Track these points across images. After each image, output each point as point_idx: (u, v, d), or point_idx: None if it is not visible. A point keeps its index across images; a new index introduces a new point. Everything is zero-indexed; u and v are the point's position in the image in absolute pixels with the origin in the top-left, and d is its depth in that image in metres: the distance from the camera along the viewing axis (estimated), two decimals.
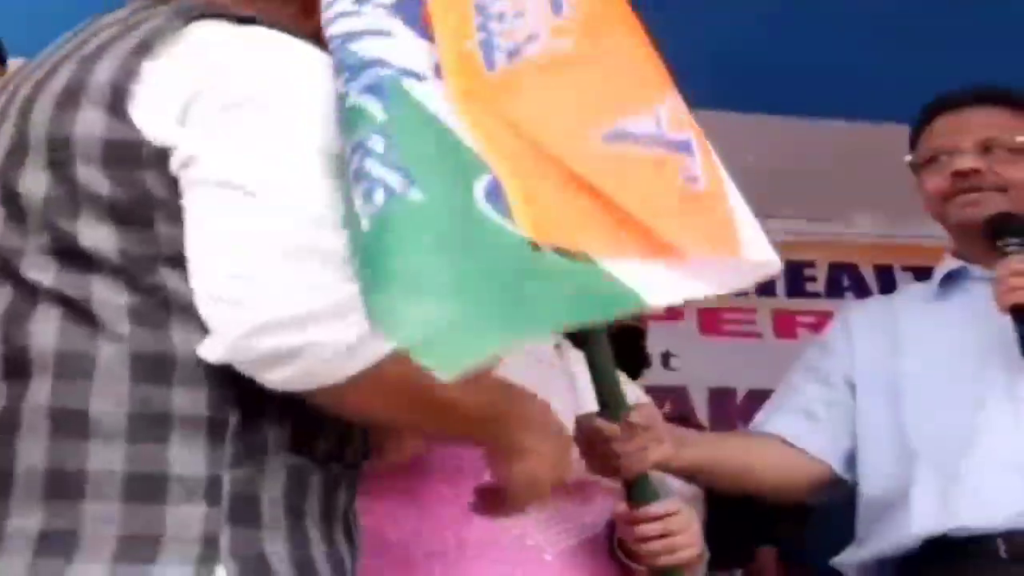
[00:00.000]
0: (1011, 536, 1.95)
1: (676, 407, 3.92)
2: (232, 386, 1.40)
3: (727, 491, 2.25)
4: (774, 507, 3.51)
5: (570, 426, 1.87)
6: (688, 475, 2.12)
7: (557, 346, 2.11)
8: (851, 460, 2.14)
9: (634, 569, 1.96)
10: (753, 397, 3.95)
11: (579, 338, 1.97)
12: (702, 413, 4.02)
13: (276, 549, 1.41)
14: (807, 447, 2.14)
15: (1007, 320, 1.99)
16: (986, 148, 2.13)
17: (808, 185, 3.78)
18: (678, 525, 1.86)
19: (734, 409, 4.06)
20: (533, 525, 1.90)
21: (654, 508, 1.86)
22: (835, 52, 3.18)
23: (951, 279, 2.22)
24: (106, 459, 1.36)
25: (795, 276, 4.17)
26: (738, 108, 3.44)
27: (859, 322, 2.28)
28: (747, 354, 4.19)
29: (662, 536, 1.85)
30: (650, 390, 3.95)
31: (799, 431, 2.16)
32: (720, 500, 2.22)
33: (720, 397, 4.09)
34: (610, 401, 1.89)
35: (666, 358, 4.02)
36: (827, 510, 3.57)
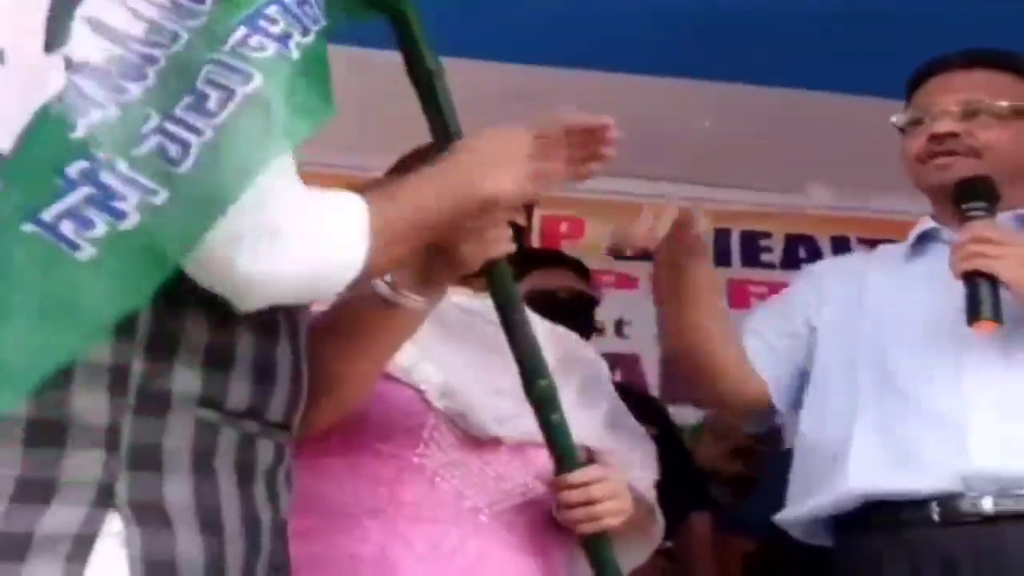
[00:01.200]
0: (945, 501, 1.95)
1: (625, 375, 3.96)
2: (137, 337, 1.43)
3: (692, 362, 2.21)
4: (710, 472, 3.64)
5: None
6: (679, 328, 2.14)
7: None
8: (788, 395, 2.16)
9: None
10: None
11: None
12: (653, 380, 4.01)
13: (178, 499, 1.44)
14: (755, 363, 2.14)
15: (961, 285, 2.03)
16: (968, 111, 2.12)
17: (765, 156, 3.76)
18: (601, 493, 1.86)
19: None
20: (471, 486, 1.91)
21: (575, 475, 1.86)
22: (795, 23, 3.14)
23: (924, 240, 2.22)
24: None
25: (751, 246, 4.19)
26: (697, 75, 3.44)
27: (830, 273, 2.30)
28: None
29: (585, 504, 1.86)
30: (602, 356, 3.99)
31: (756, 349, 2.17)
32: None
33: None
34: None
35: (619, 326, 4.03)
36: (766, 480, 3.65)
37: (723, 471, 3.77)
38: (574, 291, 3.28)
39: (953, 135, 2.10)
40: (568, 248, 3.97)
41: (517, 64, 3.46)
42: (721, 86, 3.47)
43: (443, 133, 1.84)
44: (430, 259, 1.78)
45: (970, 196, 2.05)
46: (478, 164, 1.72)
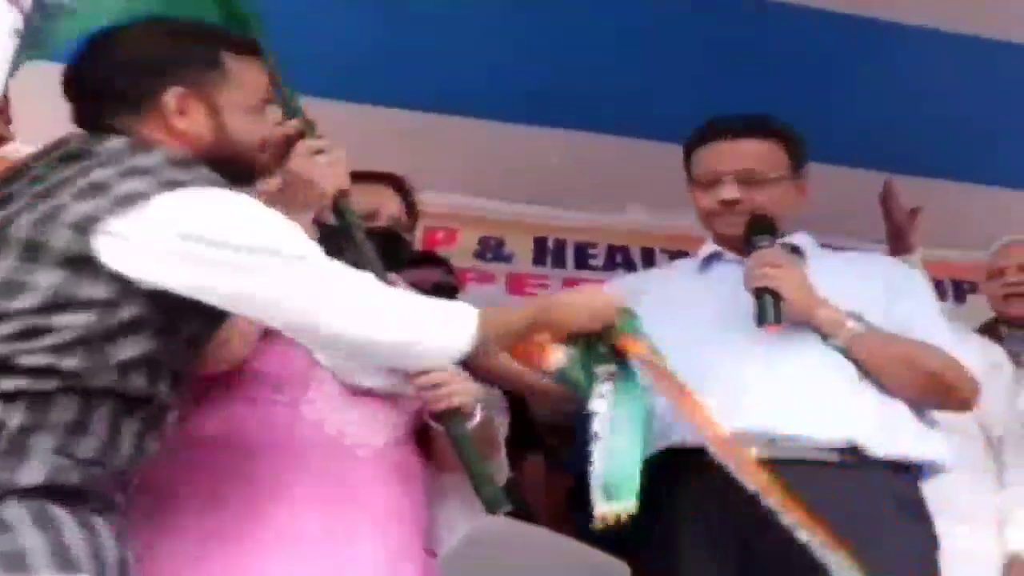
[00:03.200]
0: None
1: None
2: None
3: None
4: (540, 422, 3.58)
5: None
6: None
7: None
8: None
9: (433, 448, 1.99)
10: None
11: None
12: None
13: None
14: None
15: (747, 295, 2.07)
16: (744, 180, 2.13)
17: (593, 183, 3.84)
18: (444, 379, 1.86)
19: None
20: (351, 429, 1.90)
21: (421, 378, 1.86)
22: (613, 76, 3.21)
23: (710, 259, 2.27)
24: None
25: (581, 253, 4.23)
26: (546, 123, 3.51)
27: (636, 285, 2.30)
28: None
29: (435, 386, 1.86)
30: None
31: None
32: None
33: None
34: None
35: None
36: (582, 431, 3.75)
37: (551, 422, 3.63)
38: (440, 283, 3.29)
39: (738, 201, 2.12)
40: (443, 251, 3.96)
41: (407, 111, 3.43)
42: (563, 132, 3.53)
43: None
44: (289, 196, 1.78)
45: (759, 231, 2.10)
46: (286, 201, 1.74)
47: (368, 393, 1.93)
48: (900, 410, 2.03)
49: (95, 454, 1.46)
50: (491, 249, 4.24)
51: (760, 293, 2.03)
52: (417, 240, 4.07)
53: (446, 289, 3.35)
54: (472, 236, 4.19)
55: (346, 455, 1.89)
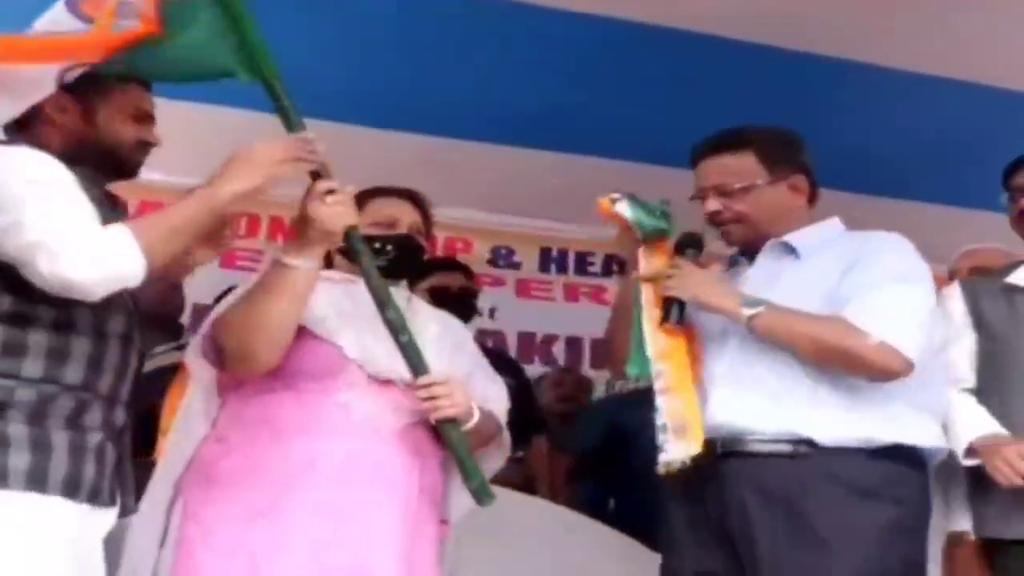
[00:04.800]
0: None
1: (495, 344, 4.03)
2: None
3: None
4: (547, 409, 3.69)
5: (430, 355, 1.91)
6: None
7: (409, 299, 2.10)
8: None
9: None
10: (547, 340, 4.17)
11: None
12: (513, 349, 4.11)
13: None
14: None
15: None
16: (721, 191, 2.03)
17: (590, 201, 3.75)
18: (441, 391, 1.86)
19: (534, 348, 4.17)
20: (375, 413, 1.90)
21: (422, 379, 1.86)
22: (608, 107, 3.18)
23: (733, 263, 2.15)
24: None
25: (581, 261, 4.25)
26: (546, 147, 3.52)
27: None
28: (545, 311, 4.28)
29: (430, 399, 1.86)
30: (480, 332, 4.15)
31: None
32: None
33: (525, 339, 4.19)
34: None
35: (492, 312, 4.08)
36: (582, 417, 3.75)
37: (554, 409, 3.79)
38: (463, 287, 3.31)
39: (718, 212, 2.03)
40: (460, 258, 3.95)
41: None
42: (564, 156, 3.52)
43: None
44: (302, 231, 1.80)
45: (685, 245, 2.02)
46: (221, 177, 1.70)
47: (389, 383, 1.93)
48: (862, 397, 1.90)
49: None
50: (502, 257, 4.30)
51: (666, 299, 1.97)
52: (439, 248, 4.17)
53: (468, 292, 3.37)
54: (485, 245, 4.28)
55: (370, 435, 1.90)
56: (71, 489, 1.64)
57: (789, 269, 2.01)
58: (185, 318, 3.55)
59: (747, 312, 1.90)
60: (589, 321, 4.01)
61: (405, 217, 2.09)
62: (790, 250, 2.03)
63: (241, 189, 1.71)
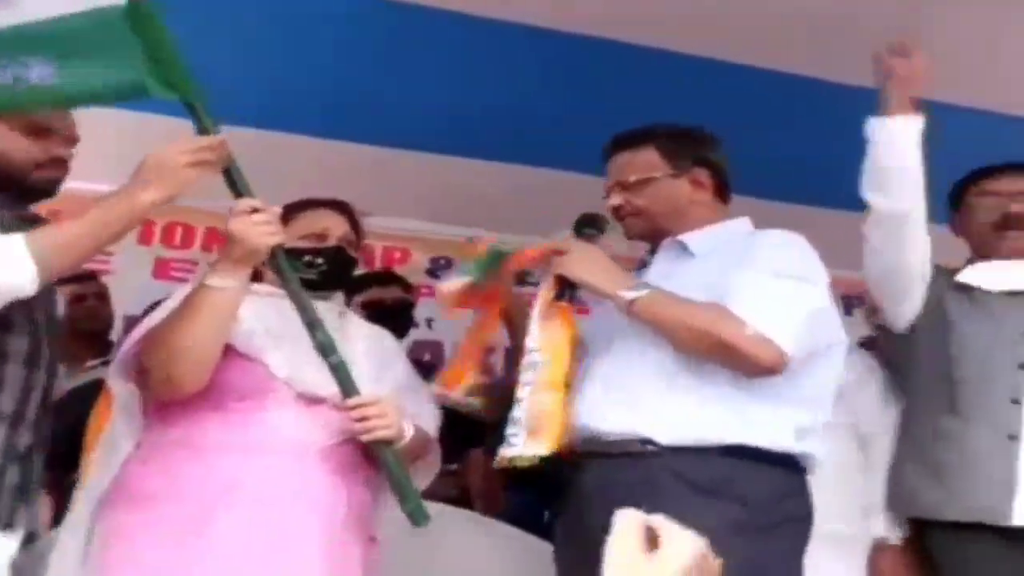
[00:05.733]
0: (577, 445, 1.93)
1: (433, 355, 4.01)
2: None
3: None
4: (481, 420, 3.74)
5: (360, 371, 1.90)
6: None
7: (342, 314, 2.11)
8: None
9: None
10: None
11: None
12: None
13: None
14: None
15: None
16: (622, 187, 2.04)
17: (526, 210, 3.55)
18: (373, 412, 1.85)
19: None
20: (303, 431, 1.89)
21: (351, 400, 1.85)
22: (546, 119, 3.19)
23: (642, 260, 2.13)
24: None
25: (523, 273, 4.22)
26: (483, 157, 3.52)
27: None
28: None
29: (361, 419, 1.85)
30: (418, 343, 4.11)
31: None
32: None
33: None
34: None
35: (430, 322, 4.08)
36: None
37: (492, 420, 3.78)
38: (398, 299, 3.31)
39: (619, 207, 2.04)
40: (398, 269, 3.97)
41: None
42: (500, 165, 3.54)
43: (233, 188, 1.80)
44: (227, 252, 1.78)
45: (584, 225, 2.00)
46: (134, 184, 1.67)
47: (319, 401, 1.92)
48: (720, 399, 1.85)
49: None
50: (441, 267, 4.26)
51: (558, 278, 1.95)
52: (377, 258, 4.14)
53: (404, 305, 3.36)
54: (424, 256, 4.24)
55: (297, 454, 1.89)
56: None
57: (682, 269, 1.98)
58: (117, 330, 3.49)
59: (628, 295, 1.86)
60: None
61: (336, 229, 2.08)
62: (684, 249, 2.01)
63: (159, 199, 1.68)
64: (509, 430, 1.87)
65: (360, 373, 1.92)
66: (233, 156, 1.79)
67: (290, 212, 2.07)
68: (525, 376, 1.90)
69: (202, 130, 1.76)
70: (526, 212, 3.81)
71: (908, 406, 2.31)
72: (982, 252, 2.35)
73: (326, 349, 1.86)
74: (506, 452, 1.86)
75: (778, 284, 1.86)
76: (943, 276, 2.31)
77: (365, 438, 1.86)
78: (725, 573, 1.66)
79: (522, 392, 1.88)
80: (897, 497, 2.25)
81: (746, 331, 1.80)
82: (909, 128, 2.17)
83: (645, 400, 1.87)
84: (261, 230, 1.79)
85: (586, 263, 1.91)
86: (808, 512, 1.90)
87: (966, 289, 2.29)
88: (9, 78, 1.66)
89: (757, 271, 1.87)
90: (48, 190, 1.86)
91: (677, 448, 1.82)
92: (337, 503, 1.89)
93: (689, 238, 2.01)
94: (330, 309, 2.03)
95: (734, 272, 1.88)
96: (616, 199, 2.05)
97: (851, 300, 4.14)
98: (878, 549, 2.28)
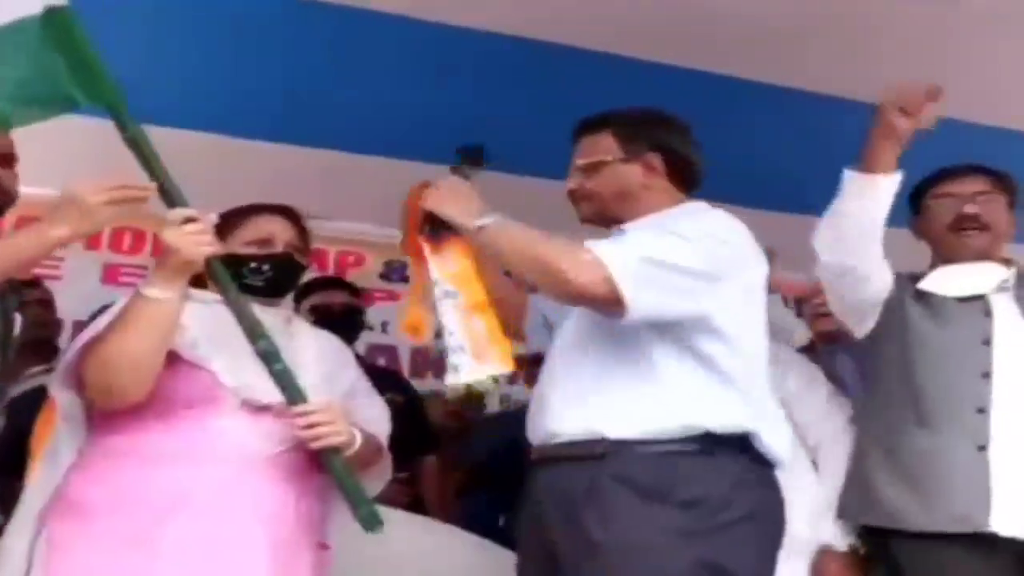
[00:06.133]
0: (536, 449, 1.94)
1: (387, 360, 4.03)
2: None
3: None
4: (438, 427, 3.61)
5: (309, 378, 1.90)
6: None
7: (289, 319, 2.09)
8: None
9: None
10: (440, 355, 4.14)
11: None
12: (405, 364, 4.10)
13: None
14: None
15: None
16: (579, 170, 2.01)
17: None
18: (321, 418, 1.83)
19: (428, 363, 4.13)
20: (250, 438, 1.88)
21: (298, 407, 1.83)
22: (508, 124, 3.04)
23: None
24: None
25: None
26: (438, 161, 3.37)
27: None
28: None
29: (309, 426, 1.82)
30: (373, 347, 4.09)
31: None
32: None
33: (418, 353, 4.14)
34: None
35: (384, 326, 4.07)
36: (473, 433, 3.73)
37: (446, 426, 3.75)
38: (345, 304, 3.27)
39: (573, 191, 2.02)
40: (353, 273, 3.97)
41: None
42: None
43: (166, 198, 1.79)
44: (162, 263, 1.76)
45: (461, 160, 2.00)
46: (49, 219, 1.69)
47: (266, 409, 1.90)
48: (641, 389, 1.82)
49: None
50: (395, 271, 4.25)
51: (424, 215, 1.95)
52: (330, 262, 4.12)
53: (352, 309, 3.33)
54: (379, 260, 4.24)
55: (244, 463, 1.87)
56: None
57: None
58: (65, 336, 3.44)
59: (477, 223, 1.85)
60: None
61: (281, 234, 2.06)
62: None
63: (67, 236, 1.69)
64: (452, 359, 1.83)
65: (309, 379, 1.91)
66: (164, 166, 1.79)
67: (234, 217, 2.05)
68: (444, 306, 1.88)
69: (126, 137, 1.76)
70: None
71: (870, 413, 2.29)
72: (942, 255, 2.34)
73: (269, 357, 1.84)
74: (459, 378, 1.83)
75: (649, 235, 1.83)
76: (904, 282, 2.31)
77: (313, 445, 1.84)
78: None
79: (448, 320, 1.86)
80: (862, 506, 2.22)
81: (581, 256, 1.76)
82: (891, 188, 2.10)
83: (592, 396, 1.85)
84: (195, 239, 1.77)
85: (448, 196, 1.92)
86: (775, 506, 1.87)
87: (925, 296, 2.27)
88: None
89: (648, 228, 1.86)
90: None
91: (626, 443, 1.79)
92: (286, 511, 1.87)
93: (631, 226, 1.96)
94: (277, 315, 2.01)
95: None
96: (571, 182, 2.03)
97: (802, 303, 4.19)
98: (823, 554, 2.27)
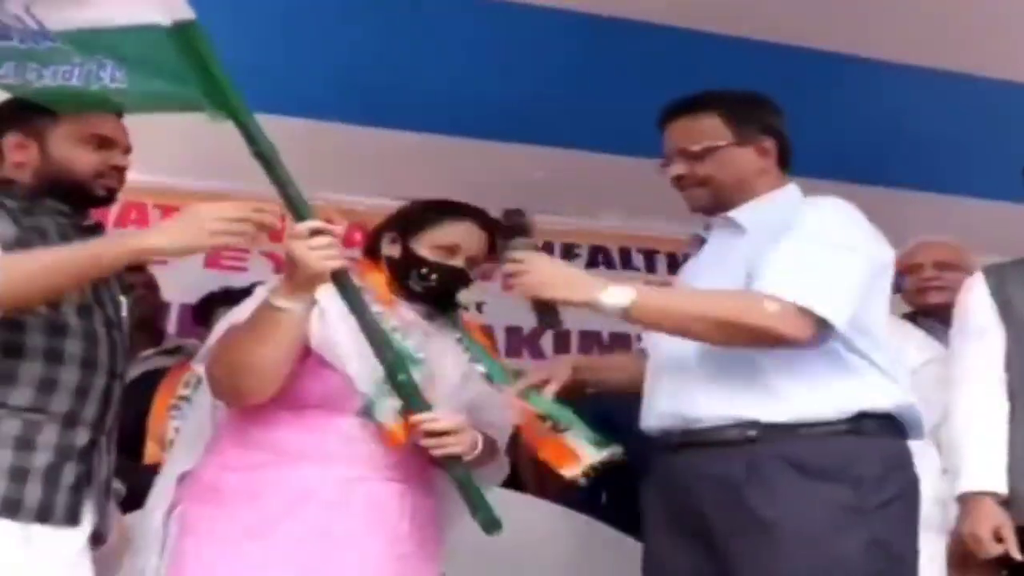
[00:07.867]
0: (656, 434, 1.96)
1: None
2: None
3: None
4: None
5: (455, 374, 1.94)
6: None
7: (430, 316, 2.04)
8: None
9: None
10: (534, 334, 4.07)
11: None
12: (501, 344, 4.01)
13: None
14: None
15: (708, 274, 1.95)
16: (685, 154, 1.96)
17: (573, 193, 3.87)
18: (441, 427, 1.82)
19: (522, 342, 4.11)
20: (375, 440, 1.89)
21: (416, 417, 1.82)
22: (592, 100, 3.18)
23: (700, 241, 2.07)
24: None
25: (568, 252, 4.19)
26: (531, 142, 3.53)
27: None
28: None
29: (428, 435, 1.82)
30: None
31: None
32: None
33: (513, 332, 4.12)
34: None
35: (480, 306, 4.04)
36: None
37: None
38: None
39: (680, 177, 1.97)
40: None
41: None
42: (547, 150, 3.54)
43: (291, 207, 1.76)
44: (289, 275, 1.74)
45: (514, 233, 1.87)
46: (157, 227, 1.80)
47: None
48: (791, 374, 1.82)
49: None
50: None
51: (533, 303, 1.85)
52: None
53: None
54: None
55: (369, 462, 1.90)
56: (10, 510, 1.66)
57: (735, 247, 1.91)
58: (172, 320, 3.54)
59: (625, 300, 1.76)
60: (576, 314, 3.90)
61: (468, 246, 1.99)
62: (736, 225, 1.95)
63: (160, 247, 1.67)
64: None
65: (448, 380, 1.93)
66: (288, 172, 1.76)
67: (430, 214, 1.99)
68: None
69: (254, 151, 1.75)
70: (571, 194, 3.91)
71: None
72: None
73: (394, 369, 1.82)
74: (584, 461, 1.89)
75: (809, 250, 1.80)
76: (1008, 272, 2.25)
77: (436, 453, 1.84)
78: (848, 556, 1.71)
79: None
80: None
81: (767, 307, 1.74)
82: None
83: (738, 381, 1.83)
84: (320, 255, 1.72)
85: (550, 279, 1.82)
86: (914, 482, 1.88)
87: None
88: (82, 80, 1.70)
89: (796, 241, 1.81)
90: (107, 198, 1.91)
91: (782, 426, 1.79)
92: (403, 514, 1.91)
93: (737, 213, 1.95)
94: (420, 311, 2.01)
95: (772, 245, 1.82)
96: (679, 168, 1.97)
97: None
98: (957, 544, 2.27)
